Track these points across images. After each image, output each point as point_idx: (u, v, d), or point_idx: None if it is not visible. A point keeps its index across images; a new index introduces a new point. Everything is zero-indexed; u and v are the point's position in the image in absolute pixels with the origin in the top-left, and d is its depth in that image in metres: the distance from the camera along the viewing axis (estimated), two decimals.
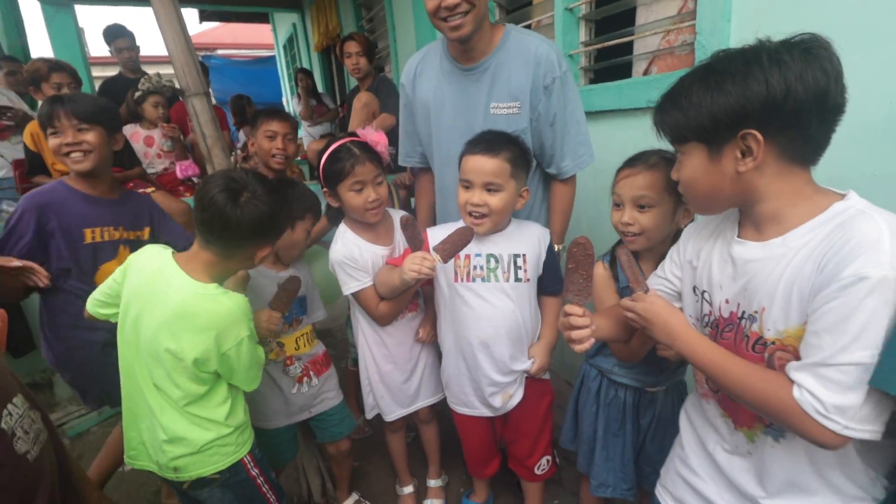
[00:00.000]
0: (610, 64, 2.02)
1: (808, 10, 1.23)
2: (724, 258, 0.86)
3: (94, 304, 1.23)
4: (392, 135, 1.71)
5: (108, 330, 1.28)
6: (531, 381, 1.48)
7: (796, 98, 0.68)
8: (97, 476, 1.80)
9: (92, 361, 1.55)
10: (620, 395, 1.31)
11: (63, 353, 1.57)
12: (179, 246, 1.43)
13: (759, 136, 0.71)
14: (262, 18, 8.26)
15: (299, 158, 3.71)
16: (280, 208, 1.14)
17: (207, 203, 1.06)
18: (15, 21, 3.77)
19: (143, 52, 3.63)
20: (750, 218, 0.82)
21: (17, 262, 1.39)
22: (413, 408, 1.65)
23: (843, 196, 0.74)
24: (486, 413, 1.49)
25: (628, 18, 1.93)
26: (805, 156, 0.74)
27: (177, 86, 2.63)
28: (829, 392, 0.66)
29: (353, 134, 1.48)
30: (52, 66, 2.24)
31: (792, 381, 0.70)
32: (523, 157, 1.33)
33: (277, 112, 2.00)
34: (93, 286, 1.27)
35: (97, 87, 3.47)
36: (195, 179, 3.08)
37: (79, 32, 4.61)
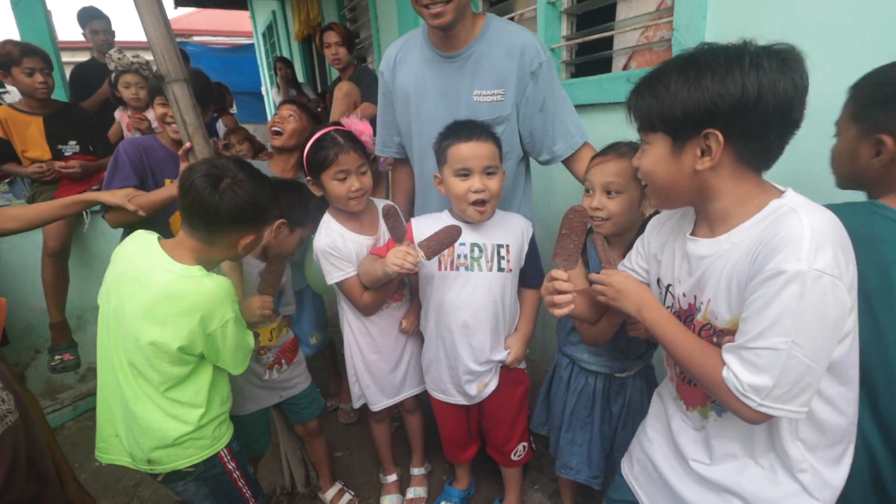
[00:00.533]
0: (591, 58, 2.05)
1: (780, 7, 1.28)
2: (681, 254, 0.90)
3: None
4: (374, 124, 1.71)
5: None
6: (506, 370, 1.51)
7: (765, 106, 0.70)
8: None
9: None
10: (591, 383, 1.36)
11: None
12: None
13: (721, 137, 0.73)
14: (241, 4, 8.05)
15: None
16: (262, 196, 1.13)
17: (188, 188, 1.07)
18: None
19: (117, 37, 3.51)
20: (703, 216, 0.85)
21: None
22: (399, 397, 1.67)
23: (781, 193, 0.77)
24: (462, 401, 1.52)
25: (609, 13, 1.97)
26: (759, 162, 0.78)
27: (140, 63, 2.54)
28: (747, 372, 0.72)
29: (338, 123, 1.47)
30: (24, 49, 2.16)
31: (723, 361, 0.76)
32: (497, 140, 1.36)
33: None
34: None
35: (69, 73, 3.32)
36: None
37: (47, 15, 4.42)
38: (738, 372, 0.73)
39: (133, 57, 2.55)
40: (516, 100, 1.44)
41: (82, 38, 3.38)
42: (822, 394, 0.78)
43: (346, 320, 1.60)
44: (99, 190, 2.40)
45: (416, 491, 1.84)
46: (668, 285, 0.95)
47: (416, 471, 1.88)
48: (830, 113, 0.98)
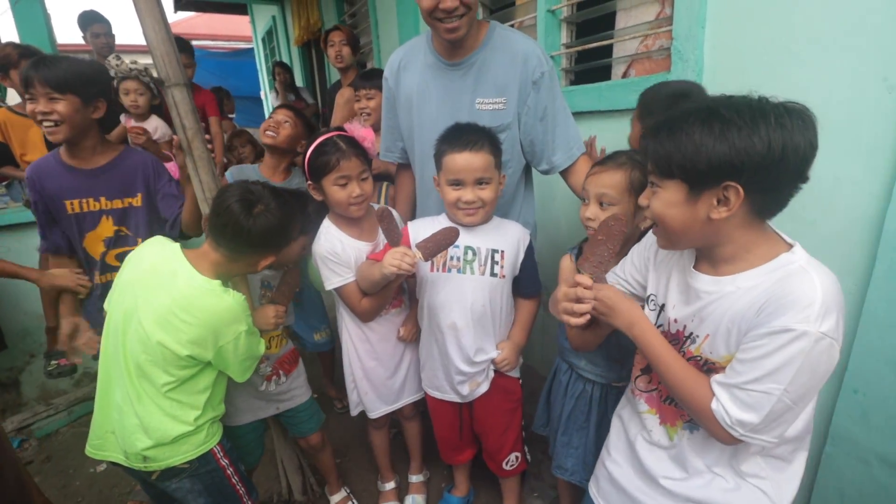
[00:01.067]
0: (590, 66, 2.06)
1: (778, 19, 1.29)
2: (680, 285, 0.93)
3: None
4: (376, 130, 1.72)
5: None
6: (499, 377, 1.51)
7: (786, 164, 0.72)
8: None
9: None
10: (588, 390, 1.36)
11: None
12: (171, 212, 1.53)
13: (741, 190, 0.74)
14: (241, 10, 8.08)
15: None
16: (289, 222, 1.21)
17: (223, 210, 1.14)
18: None
19: (117, 41, 3.51)
20: (707, 255, 0.88)
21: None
22: (397, 405, 1.66)
23: (790, 246, 0.82)
24: (454, 398, 1.53)
25: (609, 22, 1.98)
26: (768, 213, 0.81)
27: (138, 69, 2.53)
28: (736, 408, 0.78)
29: (341, 128, 1.48)
30: (23, 51, 2.15)
31: (713, 392, 0.82)
32: (498, 145, 1.36)
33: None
34: (85, 253, 1.51)
35: None
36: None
37: (47, 18, 4.43)
38: (728, 407, 0.79)
39: (131, 63, 2.54)
40: (518, 108, 1.44)
41: (82, 42, 3.37)
42: None
43: (345, 327, 1.59)
44: None
45: (414, 499, 1.83)
46: (662, 305, 0.96)
47: (415, 478, 1.87)
48: (825, 122, 0.98)
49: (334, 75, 4.38)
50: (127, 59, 2.54)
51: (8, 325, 2.48)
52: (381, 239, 1.54)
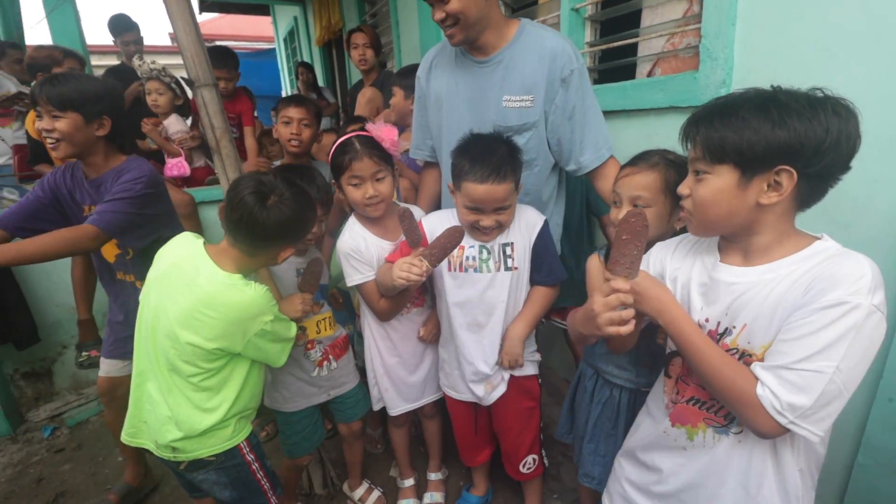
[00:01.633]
0: (615, 65, 2.04)
1: (813, 16, 1.26)
2: (702, 283, 0.92)
3: None
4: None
5: None
6: (516, 378, 1.50)
7: (839, 150, 0.74)
8: None
9: None
10: (615, 395, 1.33)
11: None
12: (100, 220, 1.41)
13: (795, 175, 0.76)
14: (263, 10, 8.20)
15: None
16: (305, 212, 1.20)
17: (237, 204, 1.12)
18: (12, 6, 3.73)
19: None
20: (737, 246, 0.88)
21: None
22: (417, 403, 1.67)
23: (818, 238, 0.83)
24: (470, 398, 1.52)
25: (633, 20, 1.95)
26: (808, 202, 0.82)
27: (157, 69, 2.58)
28: (786, 391, 0.75)
29: (364, 127, 1.49)
30: (66, 52, 2.24)
31: (757, 378, 0.79)
32: (519, 161, 1.33)
33: (294, 98, 2.04)
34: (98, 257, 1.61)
35: (102, 76, 3.41)
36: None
37: (79, 24, 4.56)
38: (777, 390, 0.75)
39: (151, 63, 2.61)
40: (545, 106, 1.42)
41: (109, 43, 3.48)
42: None
43: (367, 323, 1.61)
44: None
45: (433, 496, 1.84)
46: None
47: (434, 476, 1.88)
48: (862, 123, 0.95)
49: (355, 74, 4.41)
50: (148, 60, 2.62)
51: (41, 317, 2.57)
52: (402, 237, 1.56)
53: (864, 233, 1.20)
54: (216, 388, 1.20)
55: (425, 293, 1.63)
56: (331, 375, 1.60)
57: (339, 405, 1.69)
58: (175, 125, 2.74)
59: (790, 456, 0.86)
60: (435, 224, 1.42)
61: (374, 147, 1.42)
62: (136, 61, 2.74)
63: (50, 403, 2.64)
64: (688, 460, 0.95)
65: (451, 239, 1.26)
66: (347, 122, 2.07)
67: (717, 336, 0.88)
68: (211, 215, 2.64)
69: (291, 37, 7.63)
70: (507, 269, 1.40)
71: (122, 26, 3.38)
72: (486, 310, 1.41)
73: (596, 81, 2.15)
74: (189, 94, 2.72)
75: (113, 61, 3.66)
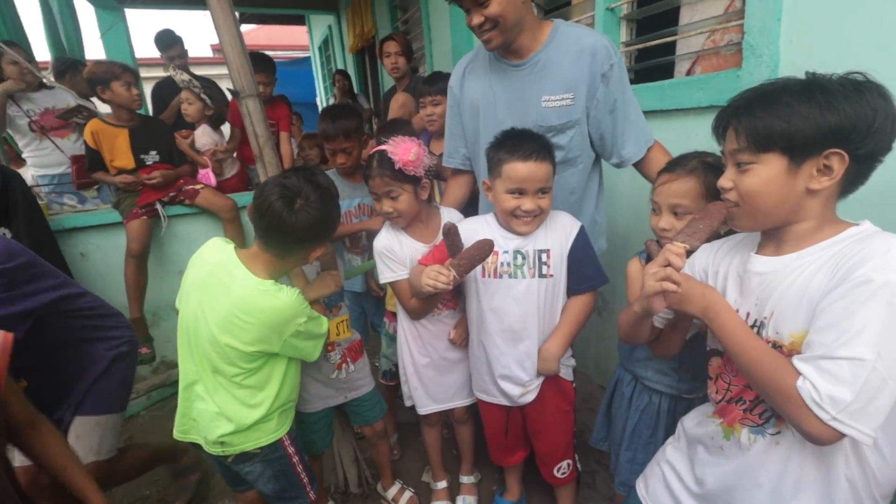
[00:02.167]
0: (651, 64, 2.00)
1: (865, 9, 1.20)
2: (738, 275, 0.91)
3: None
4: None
5: None
6: (551, 379, 1.49)
7: (885, 131, 0.74)
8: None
9: None
10: (654, 402, 1.30)
11: None
12: None
13: (847, 157, 0.74)
14: (299, 20, 8.46)
15: None
16: (331, 210, 1.22)
17: (266, 210, 1.14)
18: (74, 26, 4.00)
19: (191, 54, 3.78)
20: (775, 236, 0.86)
21: None
22: (447, 405, 1.68)
23: (857, 224, 0.81)
24: (503, 401, 1.52)
25: (670, 17, 1.91)
26: (851, 187, 0.80)
27: (185, 80, 2.68)
28: (826, 382, 0.69)
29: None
30: (123, 66, 2.41)
31: (797, 372, 0.74)
32: (552, 149, 1.34)
33: (335, 128, 1.90)
34: None
35: (150, 90, 3.62)
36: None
37: (129, 36, 4.85)
38: (816, 382, 0.70)
39: (179, 74, 2.73)
40: (587, 103, 1.42)
41: (156, 55, 3.68)
42: None
43: (400, 321, 1.64)
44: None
45: (465, 500, 1.84)
46: None
47: (466, 479, 1.88)
48: None
49: (388, 80, 4.49)
50: (178, 72, 2.74)
51: None
52: (437, 240, 1.57)
53: None
54: (259, 386, 1.25)
55: (458, 296, 1.64)
56: (348, 378, 1.63)
57: (355, 408, 1.71)
58: (202, 137, 2.84)
59: (840, 462, 0.79)
60: (470, 230, 1.42)
61: (386, 165, 1.42)
62: (170, 72, 2.86)
63: None
64: (725, 460, 0.92)
65: (479, 251, 1.27)
66: (381, 129, 2.09)
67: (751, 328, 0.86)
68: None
69: (326, 45, 7.83)
70: (541, 275, 1.39)
71: (167, 41, 3.57)
72: (521, 317, 1.40)
73: (632, 81, 2.11)
74: (229, 98, 2.84)
75: (160, 73, 3.85)
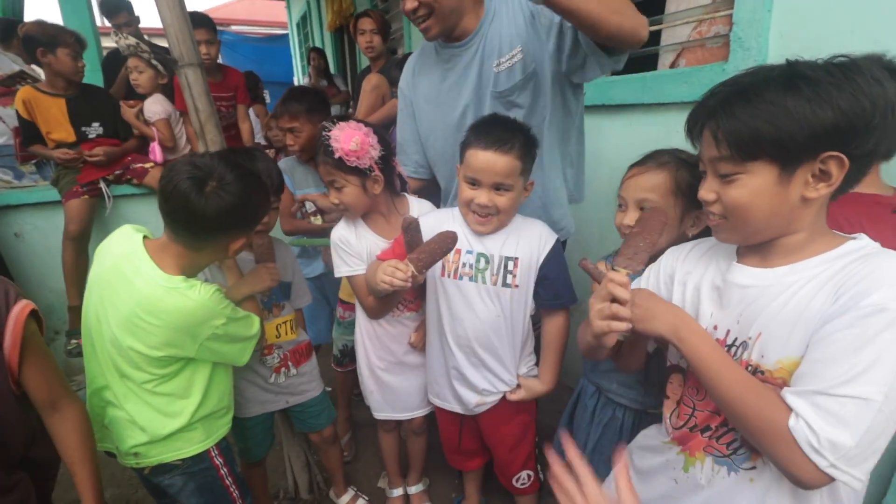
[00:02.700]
0: (635, 55, 1.89)
1: (860, 3, 1.11)
2: (715, 286, 0.80)
3: None
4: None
5: None
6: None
7: (888, 124, 0.63)
8: None
9: None
10: (619, 416, 1.21)
11: None
12: None
13: (847, 160, 0.64)
14: None
15: None
16: (252, 197, 1.05)
17: (171, 193, 0.99)
18: None
19: (145, 23, 3.45)
20: (759, 246, 0.75)
21: None
22: (405, 415, 1.58)
23: (853, 237, 0.71)
24: (457, 408, 1.44)
25: (656, 6, 1.80)
26: (844, 189, 0.69)
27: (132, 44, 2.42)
28: (825, 424, 0.60)
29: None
30: (77, 36, 2.19)
31: (789, 408, 0.64)
32: (531, 149, 1.23)
33: (287, 108, 1.87)
34: None
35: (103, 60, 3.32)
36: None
37: (89, 2, 4.49)
38: (814, 422, 0.61)
39: (125, 39, 2.45)
40: (534, 45, 1.30)
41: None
42: None
43: (358, 318, 1.53)
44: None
45: None
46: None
47: (414, 489, 1.79)
48: None
49: (365, 61, 4.29)
50: (122, 36, 2.43)
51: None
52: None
53: None
54: (179, 393, 1.11)
55: (420, 297, 1.52)
56: (290, 383, 1.51)
57: (298, 414, 1.59)
58: (154, 105, 2.52)
59: (816, 499, 0.72)
60: (434, 224, 1.31)
61: (328, 153, 1.28)
62: (112, 37, 2.56)
63: None
64: (684, 496, 0.82)
65: (441, 244, 1.15)
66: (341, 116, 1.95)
67: (726, 347, 0.76)
68: None
69: (304, 22, 7.53)
70: (505, 284, 1.28)
71: (112, 7, 3.22)
72: (479, 324, 1.30)
73: (613, 73, 2.01)
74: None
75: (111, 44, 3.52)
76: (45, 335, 2.40)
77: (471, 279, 1.29)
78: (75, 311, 2.32)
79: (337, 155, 1.25)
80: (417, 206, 1.49)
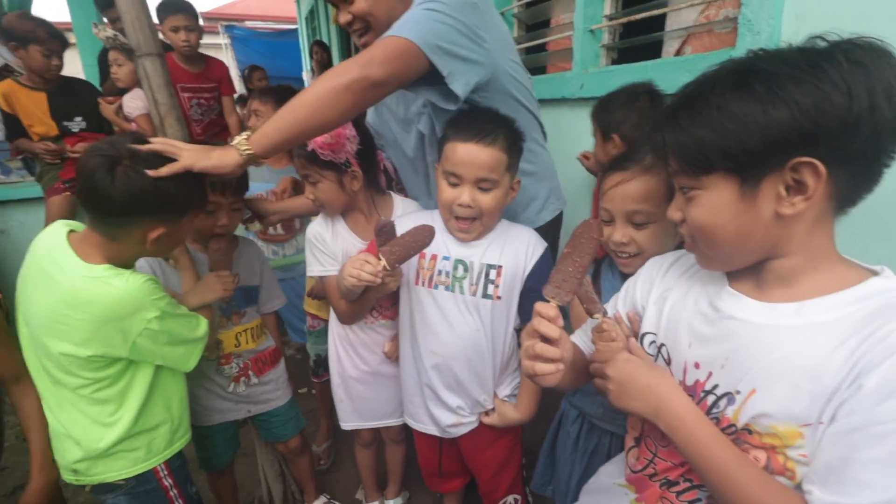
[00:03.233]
0: (638, 42, 1.75)
1: None
2: (702, 310, 0.66)
3: None
4: None
5: None
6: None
7: (881, 116, 0.50)
8: None
9: None
10: (605, 444, 1.09)
11: None
12: None
13: (821, 166, 0.51)
14: None
15: None
16: (169, 183, 0.95)
17: (79, 170, 0.93)
18: None
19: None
20: (754, 271, 0.62)
21: None
22: (375, 424, 1.48)
23: (876, 272, 0.57)
24: (433, 431, 1.32)
25: None
26: (852, 199, 0.57)
27: (108, 36, 2.30)
28: None
29: None
30: (53, 33, 2.13)
31: None
32: (517, 142, 1.11)
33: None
34: None
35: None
36: None
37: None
38: None
39: (104, 31, 2.34)
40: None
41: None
42: None
43: (331, 321, 1.44)
44: None
45: None
46: (663, 345, 0.70)
47: (391, 503, 1.70)
48: None
49: None
50: (103, 29, 2.32)
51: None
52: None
53: None
54: (117, 400, 1.02)
55: (396, 305, 1.41)
56: (251, 392, 1.42)
57: (263, 423, 1.50)
58: (133, 101, 2.36)
59: None
60: (408, 227, 1.20)
61: (303, 146, 1.21)
62: (93, 29, 2.45)
63: None
64: None
65: (417, 238, 1.04)
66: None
67: (702, 393, 0.64)
68: None
69: (312, 16, 7.50)
70: (485, 295, 1.17)
71: (105, 1, 3.15)
72: (455, 338, 1.19)
73: (614, 62, 1.87)
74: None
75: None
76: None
77: (447, 288, 1.18)
78: None
79: (310, 147, 1.16)
80: (402, 206, 1.38)
